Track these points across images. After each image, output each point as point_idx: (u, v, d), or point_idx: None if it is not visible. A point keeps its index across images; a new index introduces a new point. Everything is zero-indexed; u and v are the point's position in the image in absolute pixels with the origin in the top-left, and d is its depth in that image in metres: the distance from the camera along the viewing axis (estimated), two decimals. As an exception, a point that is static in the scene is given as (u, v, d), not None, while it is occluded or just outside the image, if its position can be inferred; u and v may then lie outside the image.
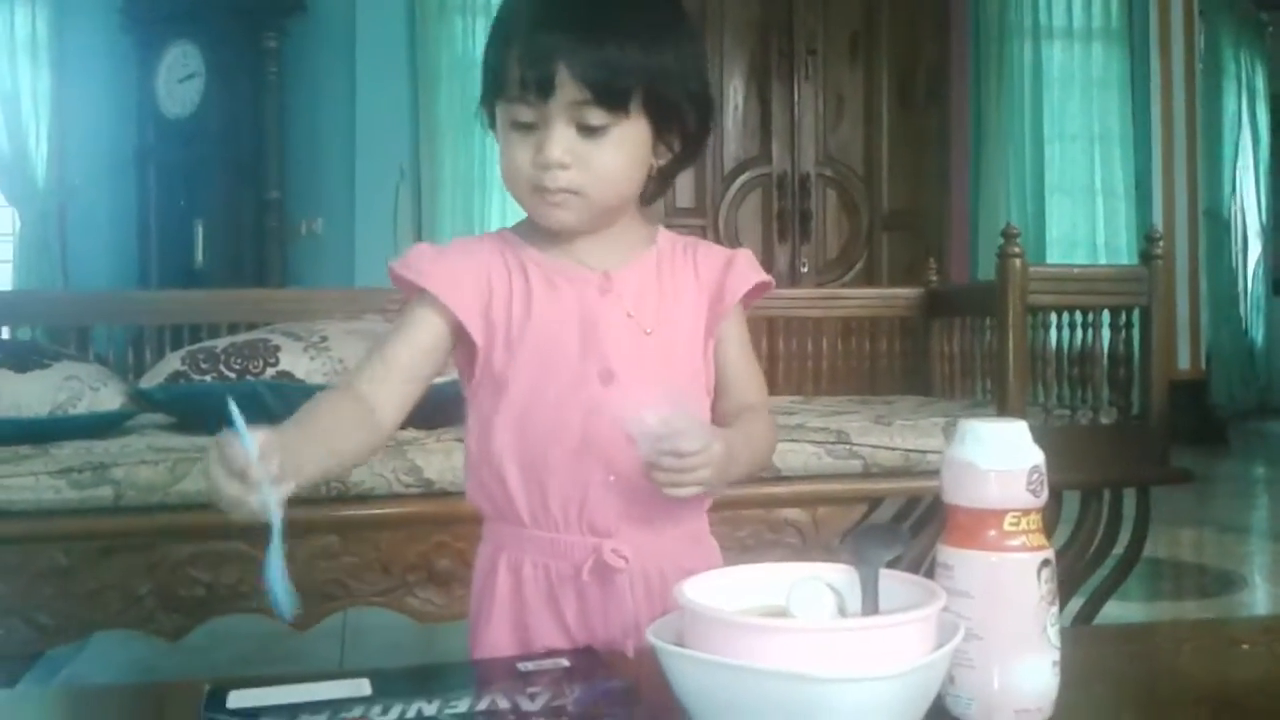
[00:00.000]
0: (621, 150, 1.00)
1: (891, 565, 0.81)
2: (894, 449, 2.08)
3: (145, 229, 5.04)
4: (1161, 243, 2.39)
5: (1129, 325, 2.35)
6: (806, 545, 2.04)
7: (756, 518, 2.03)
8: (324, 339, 2.10)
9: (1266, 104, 7.49)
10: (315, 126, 5.15)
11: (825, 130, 5.67)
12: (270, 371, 2.02)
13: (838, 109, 5.68)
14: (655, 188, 1.07)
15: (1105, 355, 2.35)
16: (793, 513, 2.05)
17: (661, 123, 1.02)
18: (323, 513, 1.81)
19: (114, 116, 5.10)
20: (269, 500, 0.80)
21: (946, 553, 0.81)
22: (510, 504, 1.04)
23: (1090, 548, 2.31)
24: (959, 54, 5.85)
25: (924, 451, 2.08)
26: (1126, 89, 5.91)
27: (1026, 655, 0.78)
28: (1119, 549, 2.37)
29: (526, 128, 1.00)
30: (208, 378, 2.03)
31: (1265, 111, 7.48)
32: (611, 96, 0.97)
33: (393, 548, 1.89)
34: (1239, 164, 7.24)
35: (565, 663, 0.88)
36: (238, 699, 0.77)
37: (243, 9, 4.92)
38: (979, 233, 5.73)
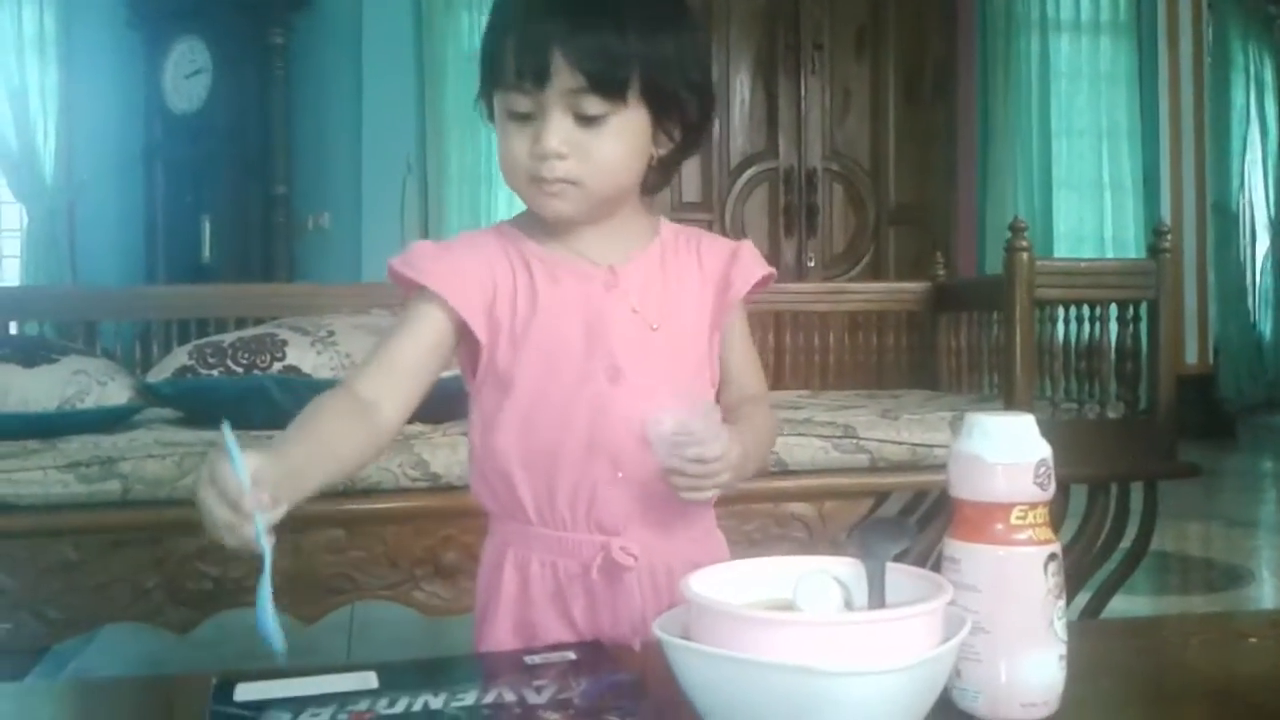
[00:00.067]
0: (620, 140, 0.98)
1: (898, 559, 0.81)
2: (901, 443, 2.08)
3: (153, 224, 5.05)
4: (1169, 236, 2.39)
5: (1136, 319, 2.35)
6: (813, 539, 2.04)
7: (763, 512, 2.03)
8: (331, 333, 2.11)
9: (1275, 97, 7.46)
10: (322, 121, 5.15)
11: (832, 124, 5.66)
12: (277, 366, 2.02)
13: (844, 103, 5.67)
14: (657, 178, 1.06)
15: (1112, 349, 2.35)
16: (799, 507, 2.05)
17: (661, 112, 1.00)
18: (329, 507, 1.81)
19: (121, 112, 5.11)
20: (261, 532, 0.79)
21: (953, 546, 0.80)
22: (517, 502, 1.03)
23: (1097, 542, 2.30)
24: (966, 48, 5.83)
25: (931, 446, 2.08)
26: (1134, 83, 5.89)
27: (1033, 649, 0.78)
28: (1126, 543, 2.37)
29: (523, 118, 0.98)
30: (215, 372, 2.03)
31: (1274, 105, 7.44)
32: (608, 84, 0.96)
33: (399, 542, 1.89)
34: (1247, 157, 7.20)
35: (571, 656, 0.88)
36: (245, 692, 0.78)
37: (249, 5, 4.93)
38: (986, 227, 5.72)
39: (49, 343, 2.33)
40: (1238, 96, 7.09)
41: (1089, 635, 1.01)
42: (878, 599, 0.78)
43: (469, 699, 0.77)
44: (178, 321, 2.61)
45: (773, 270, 1.11)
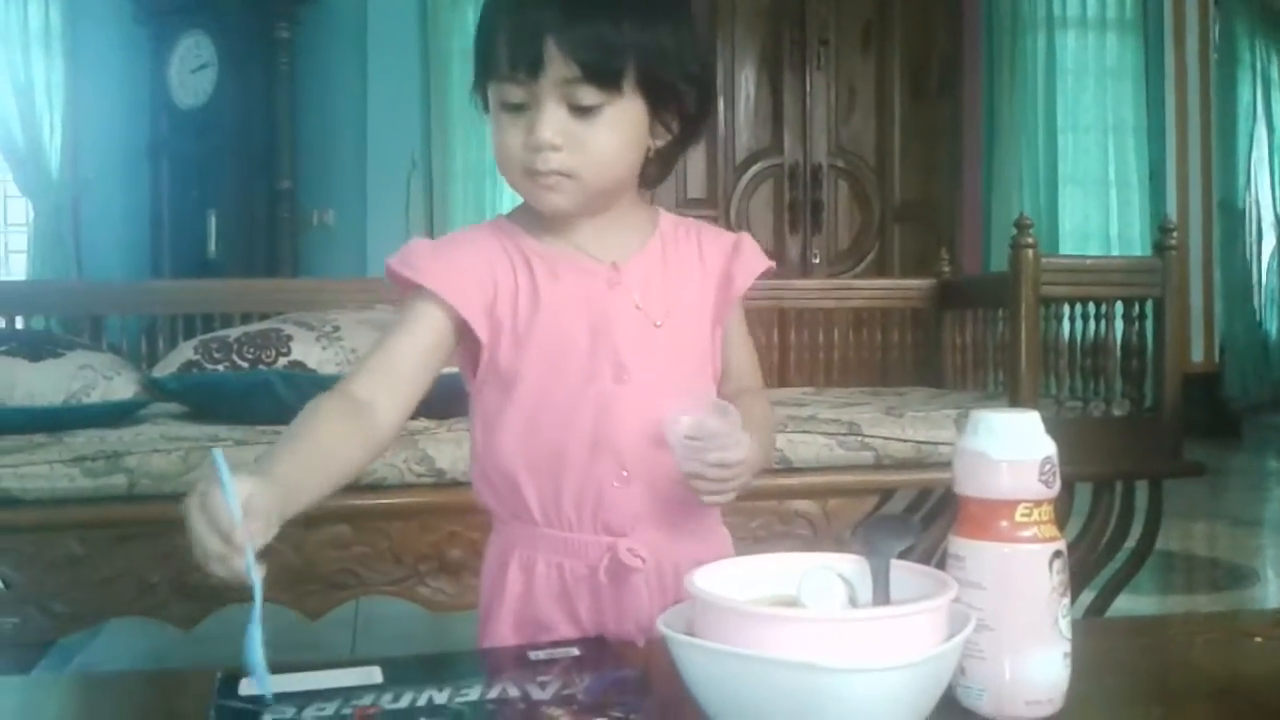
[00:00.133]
0: (616, 131, 0.97)
1: (903, 556, 0.81)
2: (905, 440, 2.08)
3: (158, 220, 5.06)
4: (1175, 234, 2.38)
5: (1142, 317, 2.34)
6: (817, 537, 2.04)
7: (768, 509, 2.03)
8: (336, 329, 2.11)
9: (1282, 95, 7.44)
10: (327, 117, 5.16)
11: (837, 121, 5.65)
12: (283, 361, 2.02)
13: (850, 99, 5.66)
14: (655, 170, 1.04)
15: (1118, 347, 2.34)
16: (804, 504, 2.05)
17: (658, 103, 0.98)
18: (334, 502, 1.79)
19: (127, 108, 5.12)
20: (252, 566, 0.76)
21: (958, 543, 0.80)
22: (521, 503, 1.02)
23: (1102, 540, 2.30)
24: (972, 44, 5.82)
25: (935, 443, 2.08)
26: (1140, 79, 5.88)
27: (1038, 647, 0.78)
28: (1131, 542, 2.36)
29: (517, 109, 0.97)
30: (220, 367, 2.04)
31: (1281, 102, 7.43)
32: (603, 74, 0.94)
33: (404, 537, 1.89)
34: (1254, 155, 7.18)
35: (575, 652, 0.88)
36: (249, 686, 0.78)
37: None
38: (991, 224, 5.71)
39: (55, 337, 2.33)
40: (1244, 94, 7.06)
41: (1093, 633, 1.01)
42: (882, 596, 0.78)
43: (473, 694, 0.77)
44: (183, 316, 2.62)
45: (772, 263, 1.10)
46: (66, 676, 1.87)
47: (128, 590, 1.82)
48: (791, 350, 2.95)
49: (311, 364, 2.03)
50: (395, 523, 1.89)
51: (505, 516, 1.05)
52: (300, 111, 5.07)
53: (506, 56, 0.95)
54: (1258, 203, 7.40)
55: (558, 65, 0.93)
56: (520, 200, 1.05)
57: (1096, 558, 2.30)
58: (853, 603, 0.78)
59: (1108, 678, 0.86)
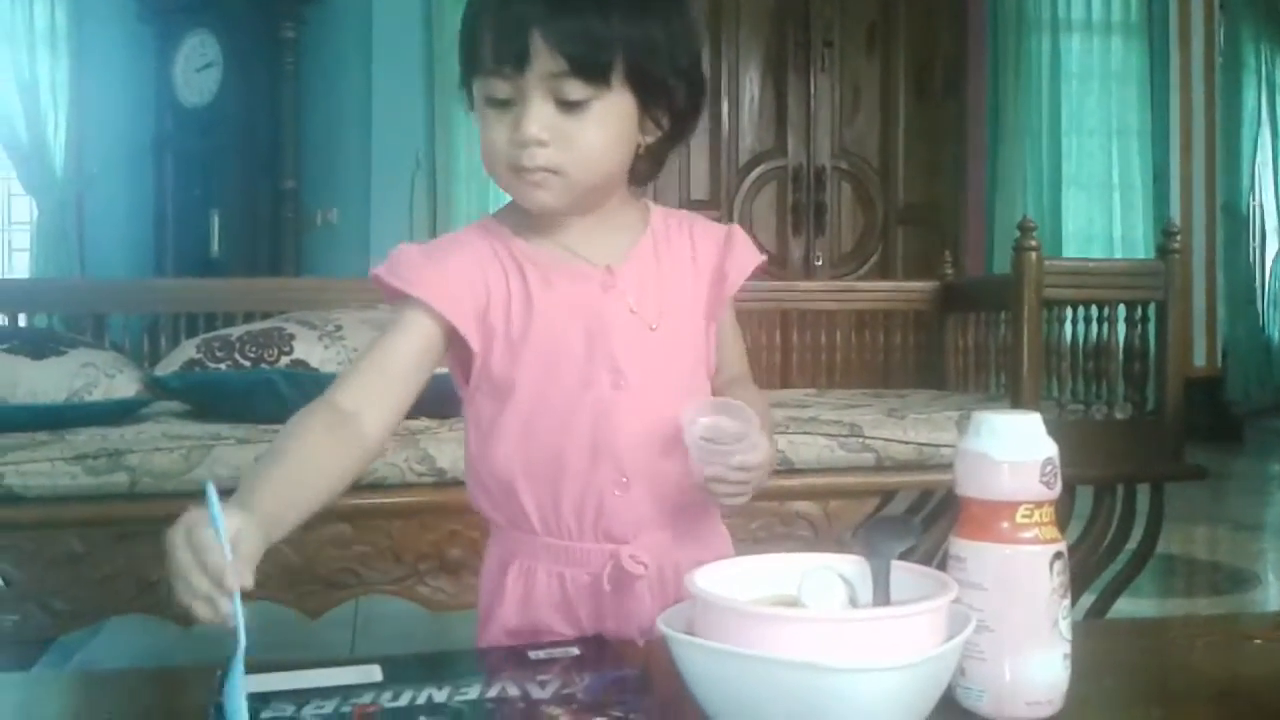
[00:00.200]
0: (604, 126, 0.94)
1: (903, 557, 0.80)
2: (907, 442, 2.08)
3: (162, 218, 5.06)
4: (1179, 237, 2.38)
5: (1145, 320, 2.34)
6: (818, 538, 2.04)
7: (769, 510, 2.03)
8: (339, 328, 2.11)
9: (1287, 99, 7.43)
10: (331, 116, 5.16)
11: (841, 123, 5.65)
12: (285, 360, 2.03)
13: (854, 101, 5.66)
14: (645, 167, 1.02)
15: (1120, 350, 2.34)
16: (805, 505, 2.05)
17: (648, 98, 0.96)
18: (334, 501, 1.81)
19: (131, 106, 5.12)
20: (239, 610, 0.73)
21: (959, 544, 0.80)
22: (520, 512, 1.00)
23: (1103, 543, 2.30)
24: (976, 47, 5.82)
25: (937, 445, 2.08)
26: (1145, 83, 5.87)
27: (1038, 648, 0.77)
28: (1132, 545, 2.36)
29: (503, 104, 0.94)
30: (223, 366, 2.04)
31: (1286, 107, 7.42)
32: (590, 68, 0.92)
33: (404, 536, 1.89)
34: (1258, 159, 7.17)
35: (575, 651, 0.88)
36: (249, 684, 0.78)
37: (260, -1, 4.94)
38: (995, 226, 5.71)
39: (58, 335, 2.34)
40: (1249, 98, 7.05)
41: (1094, 635, 1.01)
42: (882, 596, 0.78)
43: (472, 693, 0.77)
44: (186, 315, 2.62)
45: (764, 257, 1.08)
46: (67, 674, 1.87)
47: (128, 588, 1.82)
48: (794, 352, 2.95)
49: (314, 363, 2.03)
50: (395, 522, 1.89)
51: (503, 524, 1.03)
52: (305, 111, 5.07)
53: (491, 50, 0.93)
54: (1261, 206, 7.39)
55: (544, 58, 0.91)
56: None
57: (1097, 560, 2.30)
58: (853, 603, 0.78)
59: (1108, 679, 0.86)
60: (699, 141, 5.46)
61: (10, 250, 5.61)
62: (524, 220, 1.01)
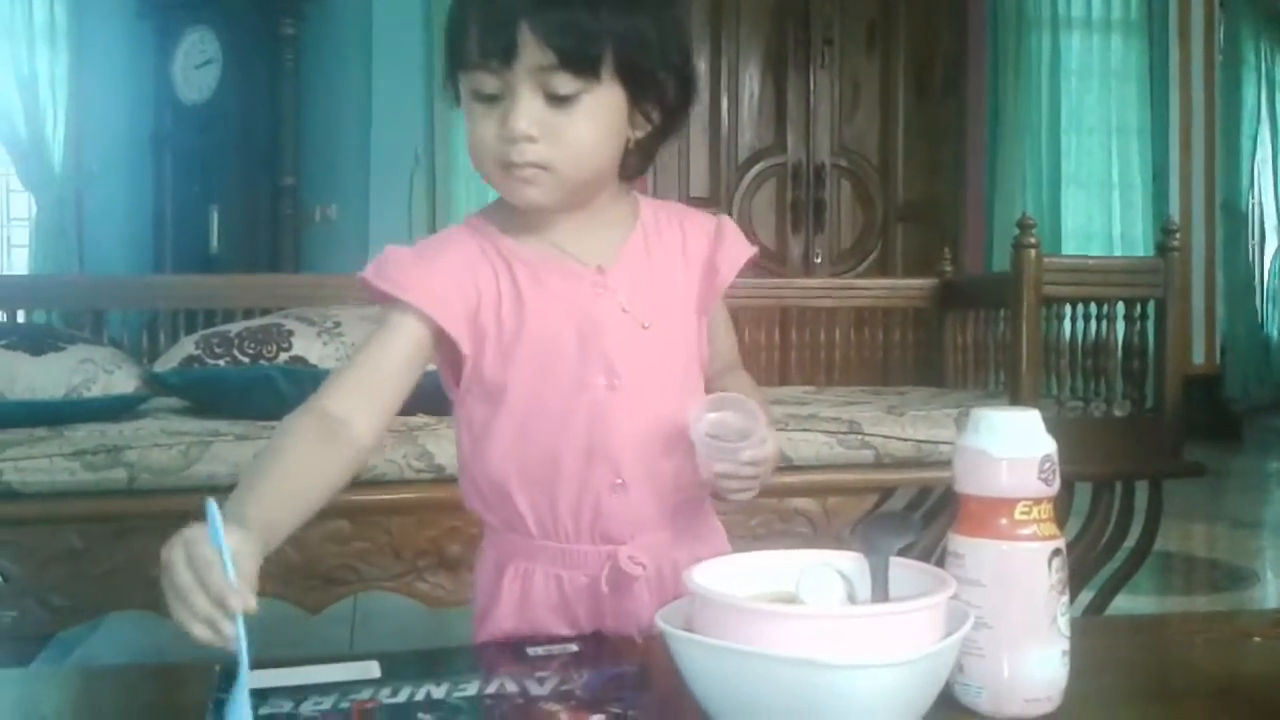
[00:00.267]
0: (594, 121, 0.93)
1: (902, 554, 0.80)
2: (906, 439, 2.08)
3: (161, 214, 5.06)
4: (1178, 235, 2.38)
5: (1144, 318, 2.34)
6: (817, 535, 2.04)
7: (767, 507, 2.03)
8: (337, 324, 2.11)
9: (1287, 97, 7.43)
10: (331, 113, 5.15)
11: (841, 120, 5.65)
12: (284, 356, 2.02)
13: (853, 99, 5.66)
14: (635, 163, 1.01)
15: (1119, 347, 2.34)
16: (804, 502, 2.05)
17: (637, 92, 0.95)
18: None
19: (131, 102, 5.11)
20: (242, 634, 0.72)
21: (957, 541, 0.80)
22: (515, 515, 0.99)
23: (1101, 540, 2.30)
24: (976, 44, 5.82)
25: (936, 442, 2.08)
26: (1145, 81, 5.87)
27: (1036, 644, 0.78)
28: (1130, 542, 2.36)
29: (490, 99, 0.93)
30: (222, 362, 2.04)
31: (1286, 105, 7.42)
32: (580, 60, 0.90)
33: (403, 533, 1.89)
34: (1258, 157, 7.17)
35: (573, 648, 0.88)
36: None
37: (260, -4, 4.93)
38: (994, 224, 5.71)
39: (56, 331, 2.33)
40: (1249, 95, 7.05)
41: (1092, 631, 1.01)
42: (881, 593, 0.78)
43: (471, 689, 0.78)
44: (185, 311, 2.62)
45: (755, 249, 1.07)
46: (66, 670, 1.87)
47: (127, 584, 1.82)
48: (793, 349, 2.95)
49: (312, 359, 2.03)
50: (394, 518, 1.89)
51: (497, 526, 1.03)
52: (304, 108, 5.06)
53: (478, 43, 0.91)
54: (1261, 204, 7.39)
55: (532, 51, 0.90)
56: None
57: (1096, 557, 2.30)
58: (851, 600, 0.78)
59: (1106, 676, 0.86)
60: (698, 138, 5.46)
61: (9, 246, 5.61)
62: (512, 218, 1.00)
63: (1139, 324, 2.34)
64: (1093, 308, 2.36)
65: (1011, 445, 0.79)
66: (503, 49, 0.90)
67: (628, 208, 1.04)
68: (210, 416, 2.02)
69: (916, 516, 2.37)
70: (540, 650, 0.88)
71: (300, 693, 0.76)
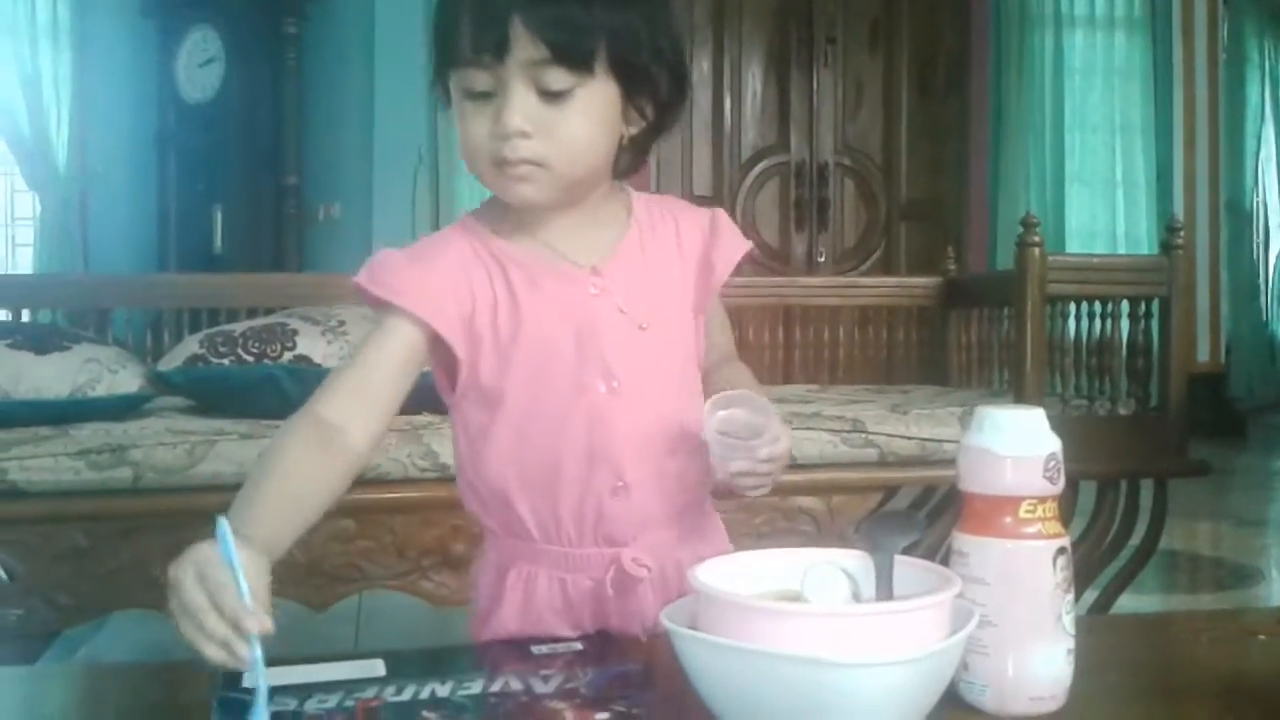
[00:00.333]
0: (588, 116, 0.92)
1: (907, 553, 0.80)
2: (910, 438, 2.08)
3: (165, 214, 5.07)
4: (1182, 233, 2.38)
5: (1148, 316, 2.34)
6: (821, 533, 2.04)
7: (771, 506, 2.03)
8: (341, 323, 2.11)
9: (1291, 95, 7.42)
10: (334, 112, 5.16)
11: (844, 119, 5.65)
12: (288, 355, 2.03)
13: (857, 97, 5.65)
14: (629, 159, 1.00)
15: (1124, 346, 2.34)
16: (808, 501, 2.05)
17: (631, 87, 0.94)
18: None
19: (134, 102, 5.12)
20: (259, 657, 0.71)
21: (962, 539, 0.80)
22: (516, 520, 0.98)
23: (1106, 539, 2.30)
24: (979, 43, 5.81)
25: (940, 440, 2.08)
26: (1148, 79, 5.86)
27: (1041, 642, 0.77)
28: (1135, 540, 2.36)
29: (482, 97, 0.91)
30: (226, 361, 2.04)
31: (1289, 102, 7.40)
32: (573, 54, 0.89)
33: (408, 531, 1.89)
34: (1261, 155, 7.17)
35: (578, 646, 0.88)
36: (252, 678, 0.78)
37: (263, -6, 4.94)
38: (998, 222, 5.70)
39: (61, 331, 2.34)
40: (1253, 93, 7.05)
41: (1097, 630, 1.01)
42: (885, 591, 0.78)
43: (475, 688, 0.78)
44: (189, 310, 2.62)
45: (750, 244, 1.06)
46: (71, 668, 1.88)
47: (132, 583, 1.82)
48: (796, 348, 2.95)
49: (316, 358, 2.03)
50: (399, 517, 1.89)
51: (498, 530, 1.02)
52: (307, 106, 5.07)
53: (470, 39, 0.90)
54: (1265, 203, 7.38)
55: (525, 46, 0.88)
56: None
57: (1100, 556, 2.30)
58: (856, 598, 0.78)
59: (1111, 674, 0.86)
60: (702, 137, 5.46)
61: (14, 246, 5.62)
62: (505, 217, 0.99)
63: (1143, 322, 2.34)
64: (1097, 306, 2.36)
65: (1016, 443, 0.79)
66: (495, 44, 0.89)
67: (621, 205, 1.03)
68: (215, 416, 2.02)
69: (921, 515, 2.38)
70: (545, 649, 0.88)
71: (305, 691, 0.77)
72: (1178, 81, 5.89)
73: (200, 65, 4.94)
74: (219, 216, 4.89)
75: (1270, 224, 7.46)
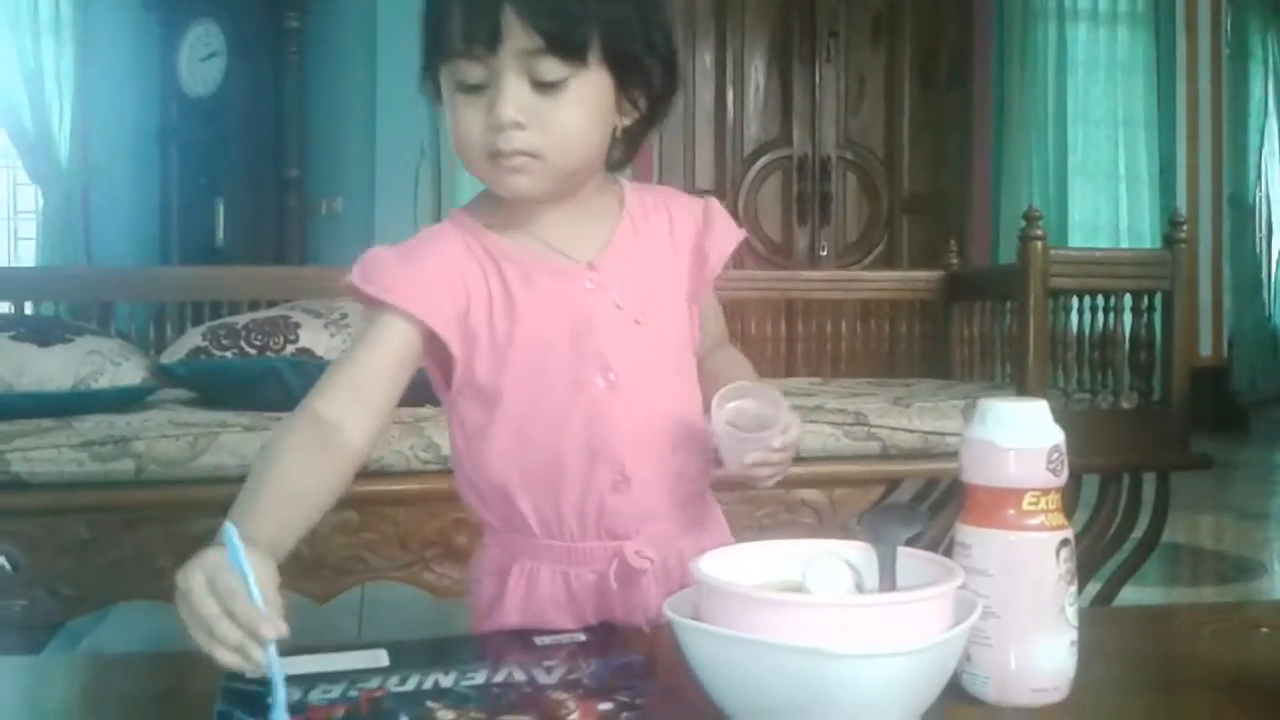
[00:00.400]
0: (582, 107, 0.91)
1: (910, 544, 0.80)
2: (912, 431, 2.08)
3: (167, 207, 5.07)
4: (1185, 227, 2.37)
5: (1151, 310, 2.34)
6: (824, 526, 2.04)
7: (774, 498, 2.03)
8: (344, 316, 2.11)
9: (1293, 89, 7.40)
10: (336, 105, 5.15)
11: (846, 112, 5.64)
12: (290, 348, 2.03)
13: (859, 91, 5.65)
14: (622, 152, 0.99)
15: (1126, 339, 2.34)
16: (810, 493, 2.05)
17: (624, 78, 0.93)
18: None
19: (136, 96, 5.12)
20: (275, 662, 0.70)
21: (965, 531, 0.80)
22: (518, 516, 0.98)
23: (1108, 532, 2.30)
24: (982, 36, 5.80)
25: (942, 433, 2.08)
26: (1151, 73, 5.85)
27: (1044, 634, 0.78)
28: (1137, 533, 2.36)
29: (475, 89, 0.91)
30: (228, 354, 2.04)
31: (1292, 97, 7.39)
32: (567, 44, 0.88)
33: (411, 523, 1.90)
34: (1264, 149, 7.16)
35: (581, 637, 0.89)
36: (257, 669, 0.78)
37: (265, -12, 4.94)
38: (1000, 216, 5.70)
39: (64, 323, 2.34)
40: (1256, 88, 7.04)
41: (1100, 622, 1.01)
42: (888, 583, 0.78)
43: (479, 678, 0.78)
44: (192, 303, 2.62)
45: (743, 232, 1.05)
46: (74, 658, 1.88)
47: (135, 574, 1.83)
48: (799, 341, 2.95)
49: (319, 351, 2.03)
50: (402, 509, 1.89)
51: (498, 526, 1.02)
52: (309, 100, 5.07)
53: (462, 30, 0.89)
54: (1268, 197, 7.37)
55: (517, 36, 0.88)
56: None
57: (1103, 549, 2.30)
58: (859, 589, 0.78)
59: (1114, 666, 0.87)
60: (704, 131, 5.45)
61: (16, 239, 5.62)
62: (498, 212, 0.98)
63: (1146, 316, 2.34)
64: (1100, 300, 2.35)
65: (1019, 436, 0.79)
66: (487, 34, 0.88)
67: (614, 197, 1.03)
68: (217, 408, 2.02)
69: (924, 507, 2.38)
70: (548, 639, 0.88)
71: (309, 681, 0.77)
72: (1181, 76, 5.88)
73: (202, 59, 4.94)
74: (221, 210, 4.89)
75: (1273, 218, 7.45)
